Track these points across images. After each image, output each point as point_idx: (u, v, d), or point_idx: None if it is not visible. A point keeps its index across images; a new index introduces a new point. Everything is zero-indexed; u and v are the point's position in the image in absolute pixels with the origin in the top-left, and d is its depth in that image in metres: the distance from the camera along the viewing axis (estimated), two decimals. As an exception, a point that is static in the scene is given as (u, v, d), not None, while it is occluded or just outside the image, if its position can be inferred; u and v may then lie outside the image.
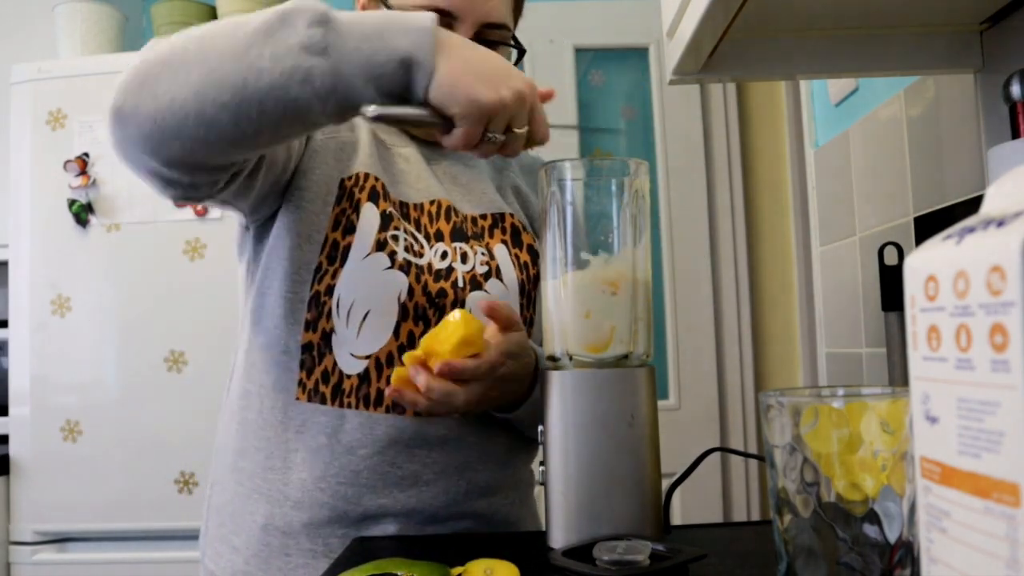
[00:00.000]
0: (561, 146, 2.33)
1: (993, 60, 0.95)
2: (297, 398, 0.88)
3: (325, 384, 0.88)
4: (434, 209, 0.94)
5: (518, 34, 1.00)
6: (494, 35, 0.92)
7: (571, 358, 0.75)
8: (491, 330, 0.82)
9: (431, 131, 0.74)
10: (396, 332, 0.88)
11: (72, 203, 1.85)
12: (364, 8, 0.98)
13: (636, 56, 2.42)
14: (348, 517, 0.86)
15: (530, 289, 0.96)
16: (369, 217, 0.89)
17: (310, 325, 0.88)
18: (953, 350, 0.36)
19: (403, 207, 0.93)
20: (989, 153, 0.79)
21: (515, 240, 0.98)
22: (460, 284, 0.90)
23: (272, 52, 0.68)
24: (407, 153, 0.98)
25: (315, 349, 0.88)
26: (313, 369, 0.88)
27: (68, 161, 1.85)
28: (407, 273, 0.88)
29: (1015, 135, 0.80)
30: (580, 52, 2.39)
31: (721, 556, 0.71)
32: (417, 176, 0.96)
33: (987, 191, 0.39)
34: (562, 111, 2.36)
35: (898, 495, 0.52)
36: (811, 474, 0.54)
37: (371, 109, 0.69)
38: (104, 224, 1.86)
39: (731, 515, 2.26)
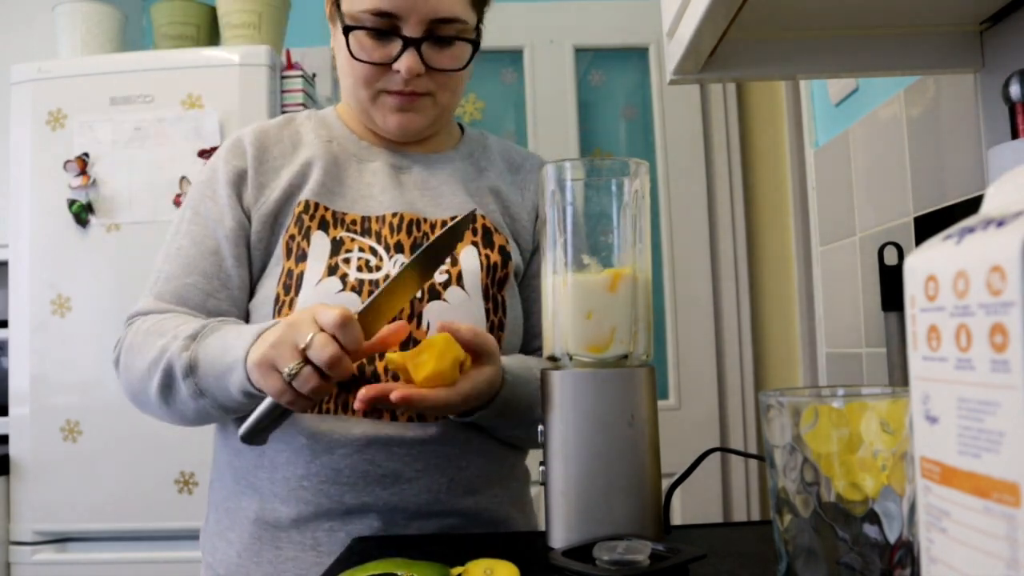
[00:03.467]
0: (561, 146, 2.33)
1: (993, 60, 0.95)
2: None
3: None
4: (396, 221, 0.95)
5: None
6: (447, 30, 0.92)
7: (571, 358, 0.75)
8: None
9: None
10: None
11: (72, 203, 1.85)
12: (330, 15, 0.98)
13: (636, 56, 2.42)
14: (333, 513, 0.88)
15: (495, 293, 0.95)
16: (320, 245, 0.92)
17: None
18: (953, 350, 0.36)
19: (365, 221, 0.95)
20: (989, 153, 0.79)
21: (486, 241, 0.97)
22: (417, 295, 0.91)
23: (183, 402, 0.88)
24: (375, 167, 0.99)
25: None
26: None
27: (68, 161, 1.85)
28: (360, 293, 0.90)
29: (1015, 135, 0.80)
30: (580, 52, 2.39)
31: (721, 556, 0.71)
32: (382, 189, 0.98)
33: (987, 191, 0.39)
34: (562, 111, 2.36)
35: (898, 495, 0.52)
36: (811, 474, 0.54)
37: (240, 433, 0.81)
38: (104, 224, 1.86)
39: (731, 515, 2.26)
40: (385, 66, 0.92)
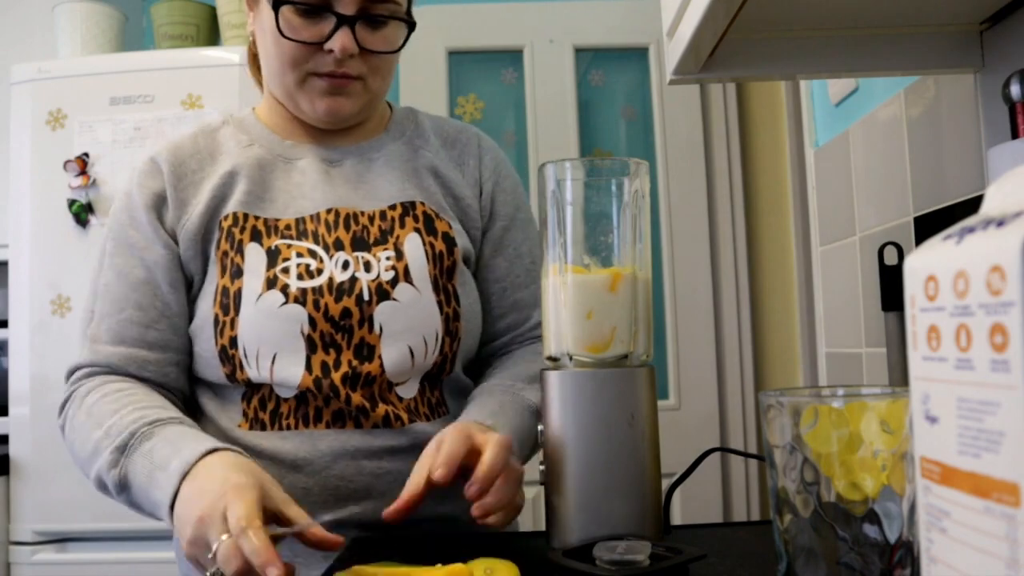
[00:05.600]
0: (561, 146, 2.33)
1: (993, 60, 0.95)
2: (239, 425, 0.90)
3: (263, 411, 0.89)
4: (331, 218, 0.92)
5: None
6: (381, 9, 0.90)
7: (571, 358, 0.75)
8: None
9: None
10: (308, 367, 0.87)
11: (72, 203, 1.85)
12: (252, 37, 0.97)
13: (636, 56, 2.42)
14: None
15: (445, 283, 0.92)
16: (255, 257, 0.89)
17: (230, 377, 0.89)
18: (953, 350, 0.36)
19: (299, 223, 0.92)
20: (989, 153, 0.79)
21: (428, 228, 0.94)
22: (366, 297, 0.88)
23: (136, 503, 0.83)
24: (303, 165, 0.96)
25: (246, 386, 0.89)
26: (251, 400, 0.89)
27: (68, 161, 1.85)
28: (304, 304, 0.87)
29: (1015, 135, 0.80)
30: (580, 52, 2.39)
31: (721, 556, 0.71)
32: (313, 186, 0.94)
33: (987, 191, 0.39)
34: (562, 111, 2.36)
35: (898, 495, 0.52)
36: (811, 474, 0.54)
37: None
38: (104, 224, 1.86)
39: (731, 515, 2.26)
40: (315, 46, 0.88)
